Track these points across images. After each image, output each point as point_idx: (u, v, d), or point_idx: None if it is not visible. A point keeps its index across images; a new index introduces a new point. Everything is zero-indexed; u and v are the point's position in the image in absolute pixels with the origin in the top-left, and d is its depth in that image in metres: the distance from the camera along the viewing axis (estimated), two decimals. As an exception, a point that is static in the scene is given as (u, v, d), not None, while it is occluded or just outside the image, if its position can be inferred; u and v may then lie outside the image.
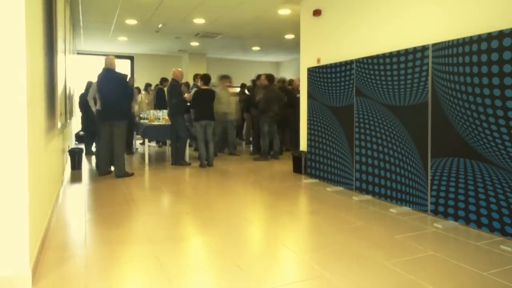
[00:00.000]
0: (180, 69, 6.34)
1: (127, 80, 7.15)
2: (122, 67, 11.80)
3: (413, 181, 3.65)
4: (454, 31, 3.54)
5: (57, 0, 3.98)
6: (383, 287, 2.11)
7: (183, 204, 3.88)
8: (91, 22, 7.78)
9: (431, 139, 3.45)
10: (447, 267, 2.37)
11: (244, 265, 2.39)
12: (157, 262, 2.43)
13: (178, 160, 6.27)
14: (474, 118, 3.06)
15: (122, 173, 5.21)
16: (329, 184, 4.84)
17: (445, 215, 3.34)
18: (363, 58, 4.25)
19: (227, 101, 7.24)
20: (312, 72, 5.14)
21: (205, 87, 6.24)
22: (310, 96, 5.20)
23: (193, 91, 6.76)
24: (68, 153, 6.06)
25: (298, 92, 6.73)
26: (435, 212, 3.44)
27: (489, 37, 2.93)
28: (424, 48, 3.51)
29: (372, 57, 4.12)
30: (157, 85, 9.30)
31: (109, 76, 5.22)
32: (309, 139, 5.25)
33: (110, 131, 5.19)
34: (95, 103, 5.70)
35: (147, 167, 6.16)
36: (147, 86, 9.86)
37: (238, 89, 9.28)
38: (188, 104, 6.78)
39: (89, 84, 7.00)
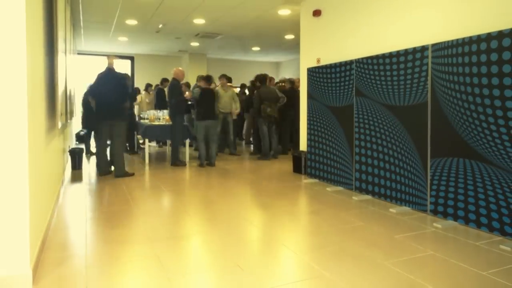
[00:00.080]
0: (181, 69, 6.35)
1: (128, 80, 7.18)
2: (123, 67, 11.81)
3: (413, 181, 3.65)
4: (453, 32, 3.54)
5: (57, 0, 3.98)
6: (383, 287, 2.11)
7: (183, 203, 3.89)
8: (91, 22, 7.79)
9: (431, 139, 3.46)
10: (447, 266, 2.38)
11: (244, 264, 2.40)
12: (157, 261, 2.43)
13: (174, 160, 6.27)
14: (474, 118, 3.06)
15: (122, 173, 5.21)
16: (329, 184, 4.85)
17: (445, 215, 3.34)
18: (363, 58, 4.26)
19: (226, 100, 7.25)
20: (312, 72, 5.15)
21: (208, 87, 6.26)
22: (310, 96, 5.21)
23: (194, 90, 6.77)
24: (68, 153, 6.06)
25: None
26: (434, 212, 3.44)
27: (489, 37, 2.93)
28: (423, 49, 3.52)
29: (372, 57, 4.13)
30: (157, 85, 9.31)
31: (109, 75, 5.23)
32: (309, 139, 5.26)
33: (110, 131, 5.20)
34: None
35: (147, 167, 6.17)
36: (148, 86, 9.87)
37: (238, 89, 9.29)
38: (189, 103, 6.79)
39: (99, 82, 7.00)
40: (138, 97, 9.47)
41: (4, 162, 2.00)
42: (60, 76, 4.27)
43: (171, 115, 6.24)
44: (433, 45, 3.43)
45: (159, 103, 8.66)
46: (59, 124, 4.18)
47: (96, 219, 3.36)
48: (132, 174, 5.36)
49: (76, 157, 5.84)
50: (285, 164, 6.39)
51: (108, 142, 5.44)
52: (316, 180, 5.10)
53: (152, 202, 3.97)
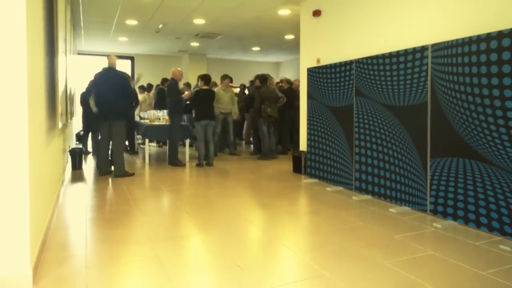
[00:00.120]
0: (179, 69, 6.35)
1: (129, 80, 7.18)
2: (123, 67, 11.81)
3: (413, 181, 3.66)
4: (453, 32, 3.55)
5: (57, 0, 3.99)
6: (382, 287, 2.12)
7: (183, 203, 3.89)
8: (91, 22, 7.79)
9: (431, 139, 3.46)
10: (446, 266, 2.38)
11: (244, 264, 2.40)
12: (157, 261, 2.44)
13: (173, 160, 6.27)
14: (473, 118, 3.07)
15: (122, 173, 5.22)
16: (329, 184, 4.85)
17: (444, 215, 3.35)
18: (362, 59, 4.26)
19: (227, 101, 7.25)
20: (312, 73, 5.15)
21: (205, 87, 6.25)
22: (310, 96, 5.21)
23: (193, 90, 6.79)
24: (68, 153, 6.07)
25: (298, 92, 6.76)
26: (434, 212, 3.45)
27: (488, 37, 2.94)
28: (423, 49, 3.52)
29: (371, 58, 4.13)
30: (158, 85, 9.32)
31: (108, 75, 5.22)
32: (309, 139, 5.27)
33: (109, 131, 5.21)
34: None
35: (147, 167, 6.17)
36: (148, 86, 9.89)
37: (237, 89, 9.29)
38: (188, 102, 6.80)
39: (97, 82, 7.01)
40: (141, 97, 9.49)
41: (5, 162, 2.01)
42: (61, 76, 4.28)
43: (170, 115, 6.25)
44: (433, 45, 3.43)
45: (159, 103, 8.67)
46: (60, 124, 4.19)
47: (96, 219, 3.36)
48: (132, 174, 5.36)
49: (76, 157, 5.84)
50: (285, 164, 6.39)
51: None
52: (316, 180, 5.11)
53: (152, 202, 3.97)
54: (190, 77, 10.98)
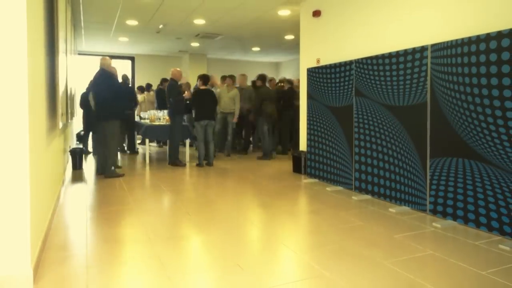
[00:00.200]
0: (178, 69, 6.36)
1: (124, 80, 7.18)
2: (123, 67, 11.82)
3: (412, 181, 3.66)
4: (453, 32, 3.55)
5: (58, 0, 4.00)
6: (382, 286, 2.12)
7: (184, 203, 3.90)
8: (92, 22, 7.80)
9: (430, 139, 3.47)
10: (446, 266, 2.39)
11: (244, 264, 2.41)
12: (157, 261, 2.44)
13: (174, 160, 6.28)
14: (473, 118, 3.07)
15: (111, 173, 5.22)
16: (329, 184, 4.86)
17: (444, 215, 3.35)
18: (362, 59, 4.27)
19: (227, 101, 7.25)
20: (312, 73, 5.16)
21: (204, 87, 6.25)
22: (309, 96, 5.22)
23: (193, 90, 6.80)
24: (69, 153, 6.08)
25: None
26: (434, 212, 3.45)
27: (488, 37, 2.94)
28: (423, 49, 3.53)
29: (371, 58, 4.14)
30: (158, 85, 9.34)
31: (102, 76, 5.24)
32: (308, 139, 5.27)
33: (104, 131, 5.23)
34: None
35: (147, 167, 6.18)
36: (149, 86, 9.91)
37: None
38: (188, 102, 6.80)
39: (91, 83, 7.04)
40: (140, 97, 9.50)
41: (5, 162, 2.01)
42: (61, 76, 4.29)
43: (170, 115, 6.26)
44: (432, 45, 3.44)
45: (160, 103, 8.69)
46: (60, 124, 4.19)
47: (96, 218, 3.37)
48: (122, 175, 5.35)
49: (76, 157, 5.85)
50: (285, 164, 6.40)
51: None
52: (316, 180, 5.11)
53: (153, 201, 3.98)
54: (191, 77, 10.99)
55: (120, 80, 6.59)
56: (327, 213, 3.58)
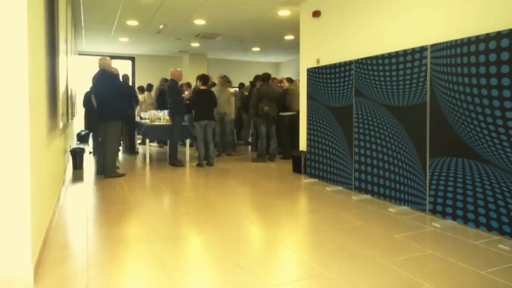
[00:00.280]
0: (178, 69, 6.37)
1: (124, 80, 7.20)
2: (124, 67, 11.83)
3: (412, 181, 3.67)
4: (452, 32, 3.56)
5: (59, 0, 4.01)
6: (382, 286, 2.13)
7: (184, 203, 3.91)
8: (92, 22, 7.81)
9: (430, 139, 3.47)
10: (446, 266, 2.39)
11: (244, 263, 2.41)
12: (158, 260, 2.45)
13: (173, 160, 6.29)
14: (472, 118, 3.08)
15: (111, 173, 5.23)
16: (329, 184, 4.86)
17: (444, 215, 3.36)
18: (362, 59, 4.28)
19: (225, 101, 7.26)
20: (312, 73, 5.16)
21: (203, 87, 6.26)
22: (309, 96, 5.23)
23: (192, 91, 6.80)
24: (69, 153, 6.09)
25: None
26: (433, 212, 3.46)
27: (487, 38, 2.95)
28: (422, 49, 3.53)
29: (371, 58, 4.15)
30: (158, 85, 9.35)
31: (102, 76, 5.25)
32: (308, 139, 5.28)
33: (105, 131, 5.24)
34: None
35: (148, 167, 6.19)
36: (149, 86, 9.92)
37: (236, 89, 9.29)
38: (188, 102, 6.81)
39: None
40: (140, 97, 9.52)
41: (6, 162, 2.02)
42: (61, 77, 4.29)
43: (170, 115, 6.27)
44: (432, 45, 3.45)
45: (160, 103, 8.70)
46: (61, 124, 4.20)
47: (97, 218, 3.38)
48: (123, 175, 5.36)
49: (77, 157, 5.86)
50: (285, 164, 6.40)
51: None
52: (316, 180, 5.12)
53: (153, 201, 3.98)
54: (191, 77, 10.99)
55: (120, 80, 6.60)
56: (326, 213, 3.59)
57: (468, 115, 3.11)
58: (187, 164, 6.42)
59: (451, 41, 3.25)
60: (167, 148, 8.66)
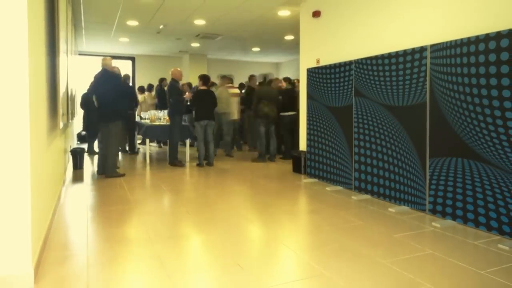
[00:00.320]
0: (179, 69, 6.38)
1: (124, 80, 7.22)
2: (124, 68, 11.83)
3: (412, 181, 3.67)
4: (452, 32, 3.56)
5: (59, 0, 4.01)
6: (382, 286, 2.13)
7: (184, 203, 3.91)
8: (92, 23, 7.81)
9: (429, 139, 3.48)
10: (445, 265, 2.40)
11: (244, 263, 2.42)
12: (158, 260, 2.46)
13: (172, 160, 6.30)
14: (472, 118, 3.08)
15: (112, 173, 5.24)
16: (329, 184, 4.87)
17: (443, 215, 3.36)
18: (362, 59, 4.28)
19: (227, 101, 7.25)
20: (312, 73, 5.17)
21: (204, 87, 6.27)
22: (309, 96, 5.23)
23: (193, 91, 6.81)
24: (70, 153, 6.10)
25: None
26: (433, 212, 3.46)
27: (487, 38, 2.95)
28: (422, 49, 3.54)
29: (371, 58, 4.15)
30: (157, 85, 9.37)
31: (104, 76, 5.25)
32: (308, 139, 5.28)
33: (104, 132, 5.25)
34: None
35: (148, 167, 6.19)
36: (150, 87, 9.93)
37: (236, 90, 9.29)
38: (188, 103, 6.81)
39: (92, 84, 7.06)
40: (141, 97, 9.53)
41: (6, 162, 2.02)
42: (62, 77, 4.30)
43: (170, 115, 6.27)
44: (431, 45, 3.45)
45: (160, 103, 8.71)
46: (61, 124, 4.20)
47: (97, 218, 3.38)
48: (123, 175, 5.37)
49: (77, 157, 5.87)
50: (284, 164, 6.40)
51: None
52: (316, 180, 5.12)
53: (153, 201, 3.99)
54: (191, 77, 11.00)
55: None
56: (326, 212, 3.59)
57: (468, 115, 3.11)
58: (187, 164, 6.42)
59: (450, 41, 3.25)
60: (166, 148, 8.68)
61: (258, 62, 13.66)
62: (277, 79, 7.94)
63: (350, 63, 4.47)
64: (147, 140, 6.81)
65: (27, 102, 2.05)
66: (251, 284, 2.13)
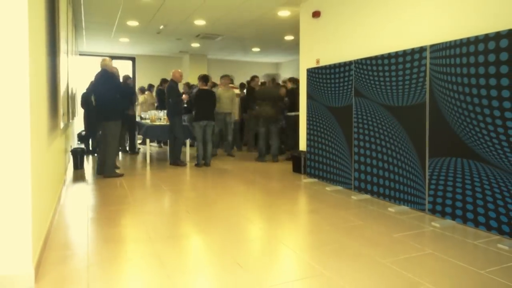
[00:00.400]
0: (179, 70, 6.39)
1: (127, 81, 7.25)
2: (124, 68, 11.84)
3: (411, 181, 3.68)
4: (451, 32, 3.57)
5: (59, 1, 4.02)
6: (382, 285, 2.14)
7: (184, 203, 3.92)
8: (93, 23, 7.82)
9: (429, 139, 3.48)
10: (445, 265, 2.40)
11: (243, 263, 2.42)
12: (158, 260, 2.46)
13: (175, 160, 6.31)
14: (472, 118, 3.09)
15: (110, 173, 5.25)
16: (328, 184, 4.87)
17: (443, 214, 3.37)
18: (361, 59, 4.29)
19: (227, 101, 7.26)
20: (312, 73, 5.18)
21: (204, 87, 6.28)
22: (309, 96, 5.24)
23: (193, 91, 6.82)
24: (70, 153, 6.10)
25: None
26: (433, 211, 3.47)
27: (486, 38, 2.96)
28: (422, 49, 3.54)
29: (370, 58, 4.16)
30: (158, 86, 9.37)
31: (104, 77, 5.28)
32: (308, 139, 5.29)
33: (105, 131, 5.27)
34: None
35: (148, 167, 6.20)
36: (150, 87, 9.94)
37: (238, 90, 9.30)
38: (185, 105, 6.82)
39: (92, 84, 7.07)
40: (141, 97, 9.53)
41: (7, 162, 2.03)
42: (62, 77, 4.30)
43: (169, 116, 6.29)
44: (431, 46, 3.46)
45: (160, 104, 8.72)
46: (61, 124, 4.21)
47: (97, 218, 3.39)
48: (122, 175, 5.38)
49: (78, 157, 5.87)
50: (284, 164, 6.41)
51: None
52: (316, 180, 5.13)
53: (153, 201, 3.99)
54: (191, 78, 11.01)
55: (121, 80, 6.63)
56: (326, 212, 3.60)
57: (467, 115, 3.12)
58: (188, 164, 6.43)
59: (450, 42, 3.26)
60: (167, 148, 8.69)
61: (258, 62, 13.67)
62: (278, 84, 7.89)
63: (350, 63, 4.48)
64: (147, 140, 6.82)
65: (27, 102, 2.05)
66: (251, 284, 2.14)
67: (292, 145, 7.01)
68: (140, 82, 11.61)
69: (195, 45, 10.29)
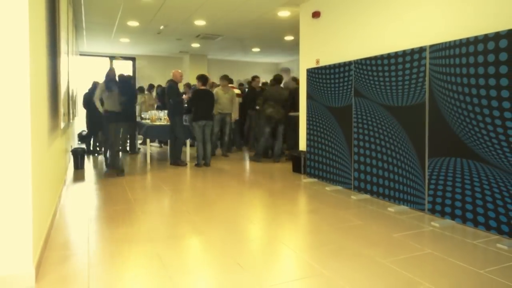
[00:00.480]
0: (180, 71, 6.39)
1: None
2: (124, 68, 11.85)
3: (411, 181, 3.68)
4: (451, 33, 3.58)
5: (60, 1, 4.03)
6: (381, 285, 2.14)
7: (184, 203, 3.92)
8: (93, 23, 7.83)
9: (429, 139, 3.49)
10: (444, 265, 2.41)
11: (244, 263, 2.43)
12: (158, 260, 2.47)
13: (176, 160, 6.33)
14: (471, 118, 3.09)
15: (112, 170, 5.54)
16: (328, 184, 4.88)
17: (442, 214, 3.37)
18: (361, 59, 4.29)
19: (227, 102, 7.26)
20: (311, 73, 5.18)
21: (203, 87, 6.28)
22: (309, 96, 5.24)
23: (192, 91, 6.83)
24: (71, 153, 6.11)
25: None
26: (432, 211, 3.47)
27: (486, 38, 2.97)
28: (421, 50, 3.55)
29: (370, 58, 4.16)
30: (159, 85, 9.39)
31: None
32: (308, 139, 5.30)
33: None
34: (102, 104, 5.75)
35: (148, 167, 6.20)
36: (151, 87, 9.95)
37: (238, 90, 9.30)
38: (186, 105, 6.82)
39: (95, 85, 7.06)
40: (141, 98, 9.54)
41: (8, 162, 2.04)
42: (63, 77, 4.31)
43: (170, 116, 6.30)
44: (431, 46, 3.46)
45: (161, 104, 8.74)
46: (62, 124, 4.22)
47: (98, 218, 3.39)
48: (122, 175, 5.44)
49: (78, 157, 5.88)
50: (284, 164, 6.41)
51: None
52: (316, 180, 5.13)
53: (153, 201, 4.00)
54: (191, 78, 11.02)
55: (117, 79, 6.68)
56: (326, 212, 3.61)
57: (467, 115, 3.13)
58: (188, 164, 6.43)
59: (450, 42, 3.27)
60: (167, 148, 8.69)
61: (258, 63, 13.68)
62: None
63: (349, 63, 4.49)
64: (148, 140, 6.83)
65: (28, 102, 2.06)
66: (251, 284, 2.15)
67: (292, 145, 7.00)
68: (140, 82, 11.62)
69: (195, 45, 10.29)
